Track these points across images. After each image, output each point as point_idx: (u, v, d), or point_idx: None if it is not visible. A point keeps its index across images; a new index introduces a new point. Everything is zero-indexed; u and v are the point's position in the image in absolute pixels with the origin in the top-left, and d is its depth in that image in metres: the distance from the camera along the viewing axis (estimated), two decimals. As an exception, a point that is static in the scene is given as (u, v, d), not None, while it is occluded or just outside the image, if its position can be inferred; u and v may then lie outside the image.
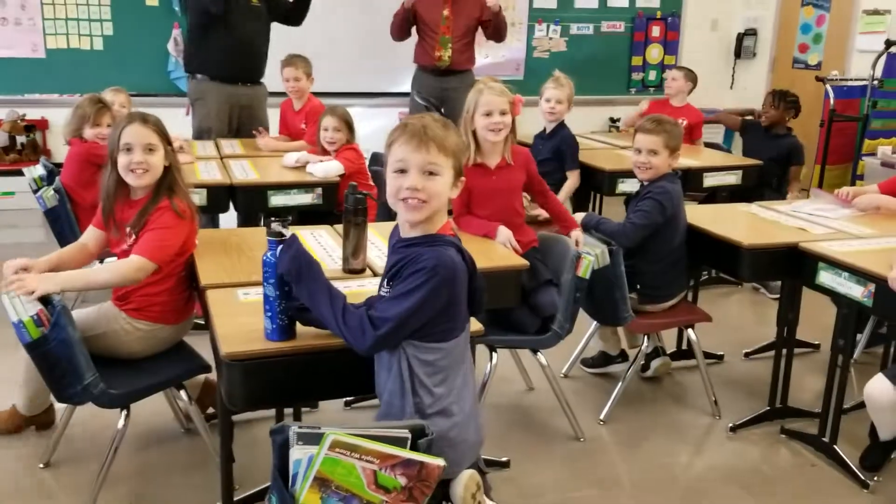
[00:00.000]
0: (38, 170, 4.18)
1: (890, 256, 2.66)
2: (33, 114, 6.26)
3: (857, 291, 2.68)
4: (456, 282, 1.82)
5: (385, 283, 1.89)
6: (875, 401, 2.75)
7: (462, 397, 1.91)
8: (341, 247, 2.52)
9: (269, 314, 1.96)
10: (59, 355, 2.32)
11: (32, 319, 2.27)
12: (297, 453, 1.67)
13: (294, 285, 1.90)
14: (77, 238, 3.81)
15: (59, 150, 5.91)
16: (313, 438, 1.65)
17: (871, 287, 2.62)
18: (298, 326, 2.01)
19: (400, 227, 1.93)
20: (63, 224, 3.93)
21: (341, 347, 1.91)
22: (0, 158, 6.20)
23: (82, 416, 2.88)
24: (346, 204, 2.42)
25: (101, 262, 3.05)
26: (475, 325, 2.05)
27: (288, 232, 1.93)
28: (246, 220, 4.29)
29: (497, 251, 2.80)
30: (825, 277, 2.81)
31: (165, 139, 2.66)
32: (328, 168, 3.88)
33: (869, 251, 2.84)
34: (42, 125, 6.32)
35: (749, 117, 5.49)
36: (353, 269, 2.46)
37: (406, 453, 1.65)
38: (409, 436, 1.69)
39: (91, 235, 2.77)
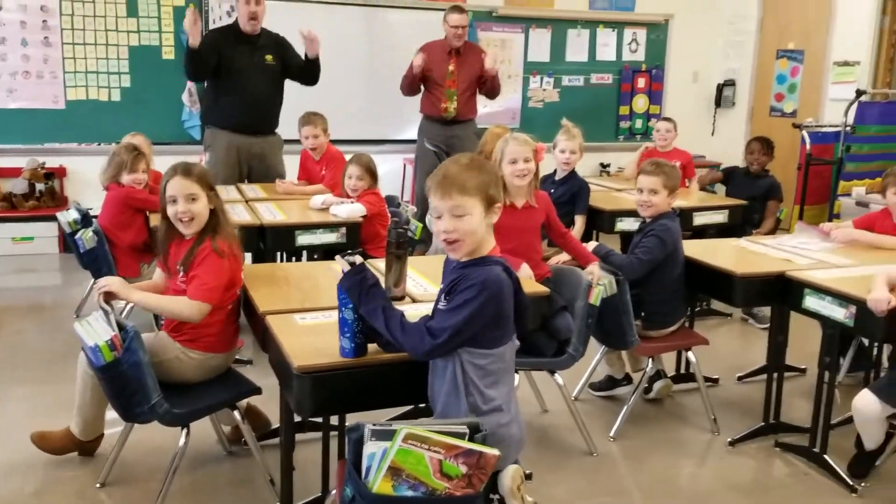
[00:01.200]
0: (72, 213, 4.40)
1: (867, 282, 2.95)
2: (52, 162, 6.46)
3: (839, 313, 2.98)
4: (502, 295, 2.10)
5: (443, 297, 2.16)
6: (861, 412, 3.04)
7: (510, 399, 2.19)
8: (382, 278, 2.80)
9: (348, 335, 2.21)
10: (131, 377, 2.53)
11: (107, 344, 2.49)
12: (371, 447, 1.91)
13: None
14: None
15: (78, 196, 6.16)
16: (386, 434, 1.89)
17: (853, 308, 2.92)
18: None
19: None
20: (101, 263, 4.16)
21: (400, 360, 2.18)
22: (20, 205, 6.39)
23: (131, 439, 3.02)
24: (388, 238, 2.67)
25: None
26: (511, 342, 2.32)
27: (358, 260, 2.22)
28: (265, 258, 4.53)
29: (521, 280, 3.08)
30: (811, 302, 3.12)
31: (208, 186, 2.91)
32: (352, 210, 4.12)
33: (848, 277, 3.13)
34: (61, 173, 6.52)
35: (723, 167, 5.95)
36: (395, 297, 2.68)
37: (468, 444, 1.91)
38: (468, 431, 1.95)
39: (159, 274, 3.05)
